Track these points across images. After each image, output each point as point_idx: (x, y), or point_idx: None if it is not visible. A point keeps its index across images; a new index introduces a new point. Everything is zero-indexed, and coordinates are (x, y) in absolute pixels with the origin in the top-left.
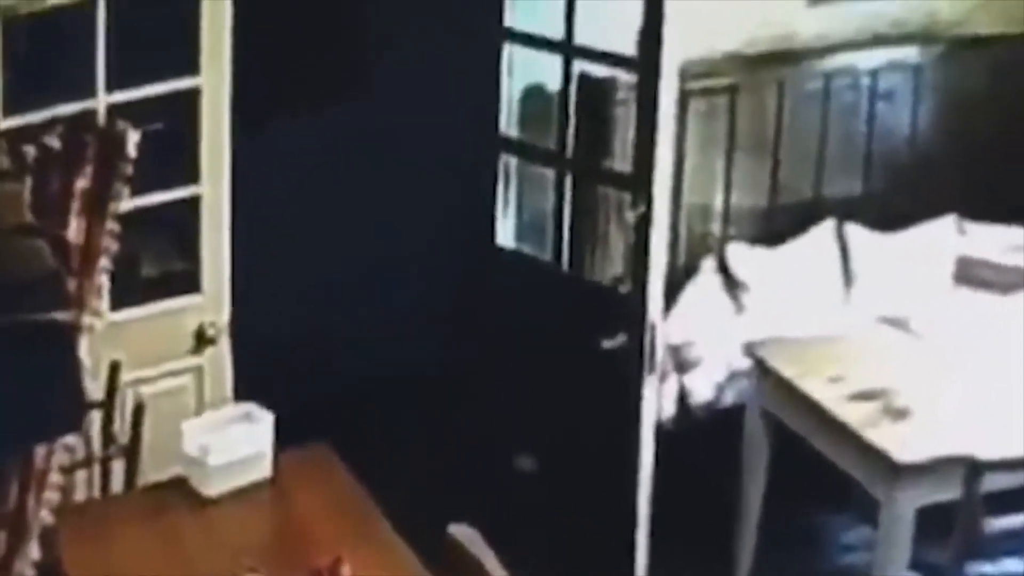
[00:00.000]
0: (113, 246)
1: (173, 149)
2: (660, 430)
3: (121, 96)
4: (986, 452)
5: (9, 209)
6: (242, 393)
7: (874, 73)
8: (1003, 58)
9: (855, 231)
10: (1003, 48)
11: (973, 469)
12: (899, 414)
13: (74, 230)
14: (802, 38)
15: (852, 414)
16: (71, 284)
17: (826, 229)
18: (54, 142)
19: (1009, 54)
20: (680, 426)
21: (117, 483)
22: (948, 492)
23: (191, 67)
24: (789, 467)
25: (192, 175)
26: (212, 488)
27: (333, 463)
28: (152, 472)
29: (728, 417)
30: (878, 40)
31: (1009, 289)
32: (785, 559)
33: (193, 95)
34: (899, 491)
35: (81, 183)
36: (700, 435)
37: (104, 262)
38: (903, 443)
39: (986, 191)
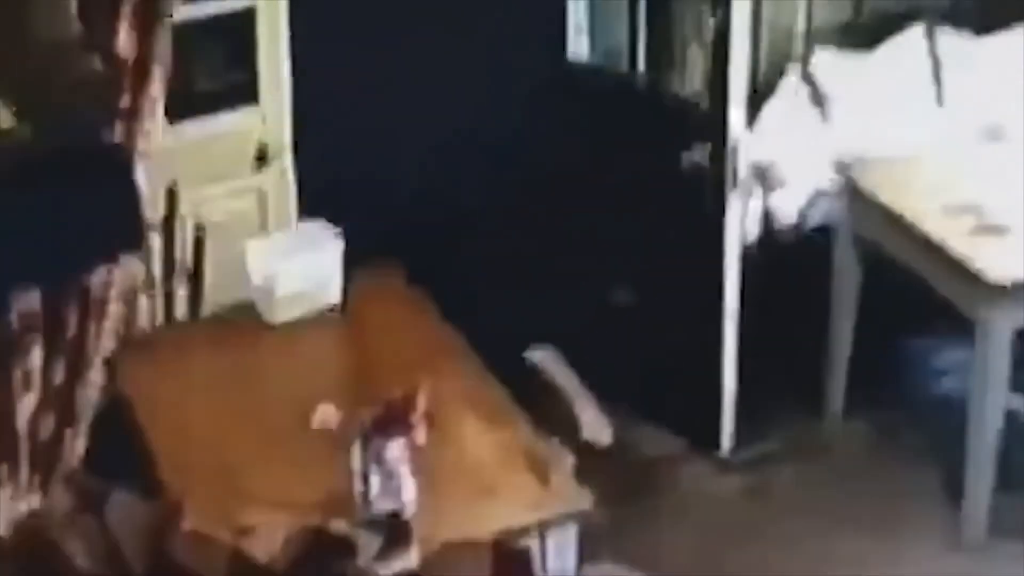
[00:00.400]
0: (167, 58)
1: None
2: (746, 254)
3: None
4: None
5: (55, 18)
6: (307, 217)
7: None
8: None
9: (947, 36)
10: None
11: None
12: (996, 230)
13: (124, 41)
14: None
15: (946, 232)
16: (124, 99)
17: (916, 34)
18: None
19: None
20: (766, 249)
21: (181, 310)
22: None
23: None
24: (880, 292)
25: None
26: (280, 315)
27: (406, 286)
28: (218, 298)
29: (815, 239)
30: None
31: None
32: (878, 386)
33: None
34: (996, 312)
35: None
36: (787, 258)
37: (158, 74)
38: (1000, 262)
39: None
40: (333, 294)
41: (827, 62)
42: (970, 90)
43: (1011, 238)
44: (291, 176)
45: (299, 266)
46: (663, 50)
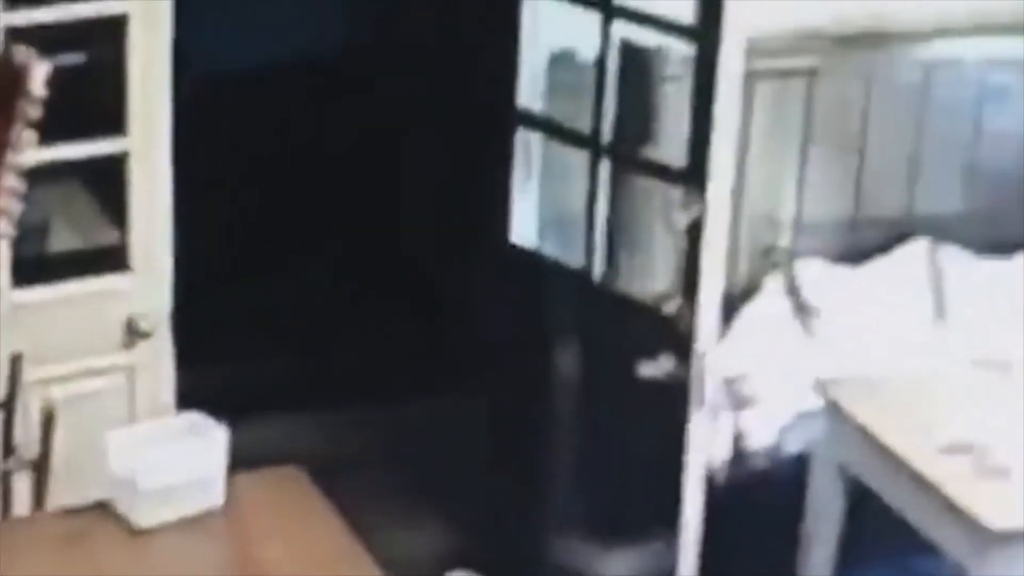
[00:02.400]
0: (15, 207)
1: (97, 89)
2: (710, 480)
3: (25, 16)
4: None
5: None
6: (189, 403)
7: (984, 66)
8: None
9: (952, 254)
10: None
11: None
12: (996, 473)
13: None
14: (900, 19)
15: (940, 471)
16: None
17: (917, 250)
18: None
19: None
20: (734, 475)
21: (20, 506)
22: None
23: None
24: (864, 530)
25: (118, 123)
26: (146, 517)
27: (306, 490)
28: (68, 496)
29: (792, 467)
30: (991, 28)
31: None
32: None
33: (121, 21)
34: (994, 563)
35: None
36: (758, 486)
37: (3, 226)
38: (1000, 507)
39: None
40: (214, 494)
41: (814, 272)
42: (973, 315)
43: (1013, 481)
44: (169, 353)
45: (172, 458)
46: (624, 243)
